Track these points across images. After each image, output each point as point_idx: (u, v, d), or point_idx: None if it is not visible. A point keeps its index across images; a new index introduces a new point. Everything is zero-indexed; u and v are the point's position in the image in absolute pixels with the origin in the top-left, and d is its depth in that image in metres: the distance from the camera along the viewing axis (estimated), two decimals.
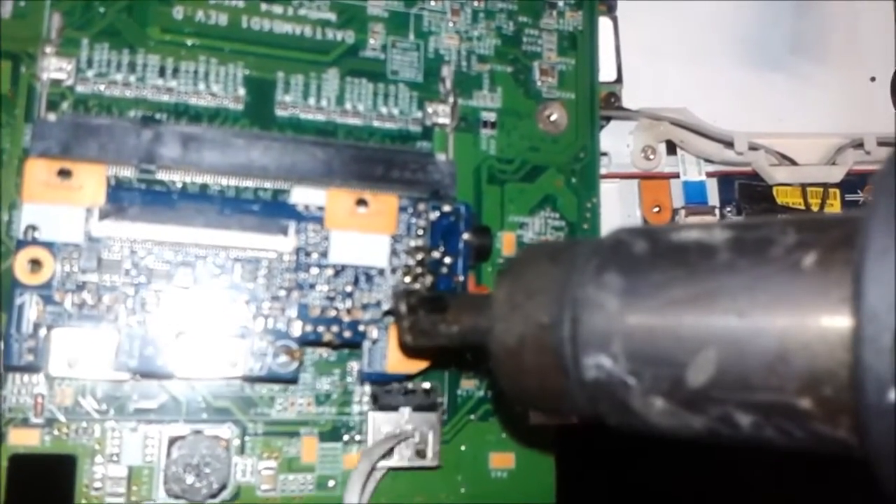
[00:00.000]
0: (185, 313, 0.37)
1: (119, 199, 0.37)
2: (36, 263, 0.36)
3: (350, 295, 0.39)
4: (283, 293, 0.38)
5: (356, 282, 0.40)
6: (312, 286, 0.39)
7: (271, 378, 0.38)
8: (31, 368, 0.36)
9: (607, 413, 0.27)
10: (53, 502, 0.37)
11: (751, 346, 0.23)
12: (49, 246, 0.36)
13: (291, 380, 0.39)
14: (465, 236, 0.41)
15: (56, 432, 0.37)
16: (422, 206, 0.41)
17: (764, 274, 0.23)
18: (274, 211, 0.39)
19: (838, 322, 0.21)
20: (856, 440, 0.21)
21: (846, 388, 0.21)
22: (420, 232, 0.41)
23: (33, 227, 0.36)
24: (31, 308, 0.36)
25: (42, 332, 0.36)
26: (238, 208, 0.39)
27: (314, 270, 0.39)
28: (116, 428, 0.38)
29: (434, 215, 0.41)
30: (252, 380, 0.39)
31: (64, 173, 0.36)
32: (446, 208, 0.41)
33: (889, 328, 0.19)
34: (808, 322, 0.22)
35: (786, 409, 0.22)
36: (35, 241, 0.36)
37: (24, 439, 0.37)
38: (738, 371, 0.23)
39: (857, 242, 0.20)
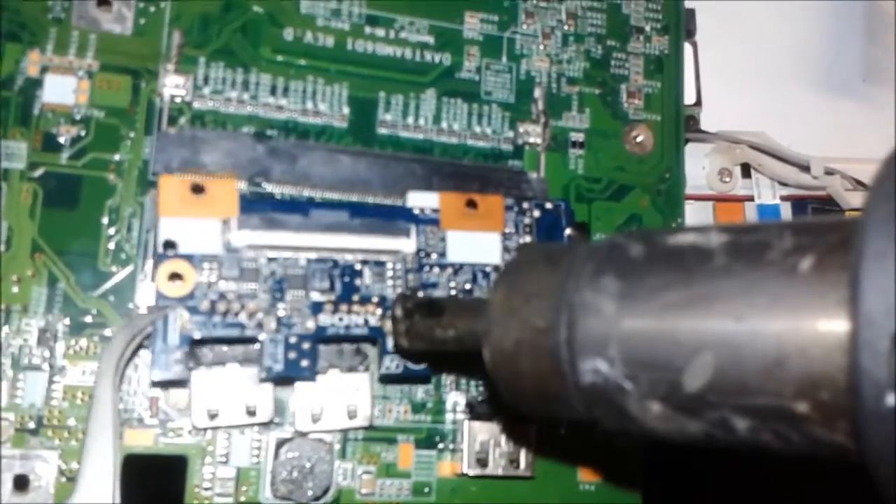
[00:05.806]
0: (322, 317, 0.38)
1: (252, 209, 0.38)
2: (177, 276, 0.37)
3: (470, 293, 0.41)
4: (409, 293, 0.40)
5: (475, 279, 0.41)
6: (435, 285, 0.40)
7: (407, 376, 0.40)
8: (180, 382, 0.37)
9: (604, 417, 0.27)
10: (165, 501, 0.39)
11: (747, 350, 0.22)
12: (189, 258, 0.37)
13: (425, 378, 0.41)
14: (568, 231, 0.43)
15: (170, 434, 0.39)
16: (526, 205, 0.43)
17: (760, 278, 0.23)
18: (395, 215, 0.41)
19: (835, 326, 0.21)
20: (853, 444, 0.21)
21: (843, 393, 0.20)
22: (527, 229, 0.42)
23: (171, 243, 0.37)
24: (177, 320, 0.37)
25: (188, 343, 0.37)
26: (364, 213, 0.40)
27: (436, 270, 0.40)
28: (226, 430, 0.39)
29: (537, 213, 0.43)
30: (389, 379, 0.40)
31: (197, 189, 0.38)
32: (549, 206, 0.43)
33: (887, 332, 0.18)
34: (804, 326, 0.21)
35: (783, 414, 0.22)
36: (175, 255, 0.37)
37: (138, 440, 0.38)
38: (734, 375, 0.22)
39: (854, 246, 0.20)
